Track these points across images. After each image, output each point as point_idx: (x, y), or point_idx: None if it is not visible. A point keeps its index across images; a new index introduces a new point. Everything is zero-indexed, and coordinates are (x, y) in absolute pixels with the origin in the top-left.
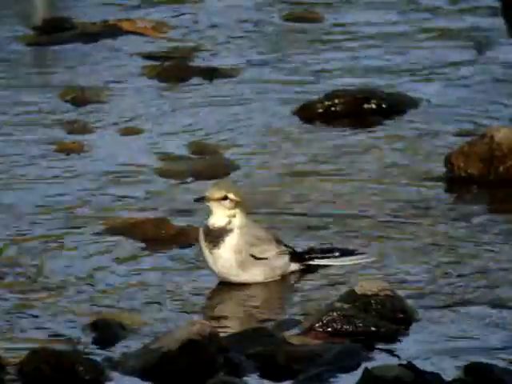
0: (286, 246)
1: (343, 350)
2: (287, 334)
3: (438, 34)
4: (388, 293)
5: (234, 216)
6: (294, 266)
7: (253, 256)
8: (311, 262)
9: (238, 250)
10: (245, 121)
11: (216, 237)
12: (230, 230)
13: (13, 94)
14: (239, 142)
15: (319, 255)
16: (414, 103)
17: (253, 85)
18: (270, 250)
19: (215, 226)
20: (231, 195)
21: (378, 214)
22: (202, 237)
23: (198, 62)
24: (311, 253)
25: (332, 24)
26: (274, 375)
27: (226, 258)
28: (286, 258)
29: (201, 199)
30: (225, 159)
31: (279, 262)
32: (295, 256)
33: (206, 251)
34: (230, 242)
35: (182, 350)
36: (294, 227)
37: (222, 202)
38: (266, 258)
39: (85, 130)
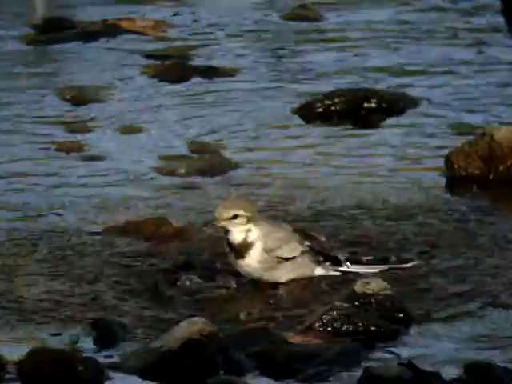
0: (317, 248)
1: (343, 350)
2: (287, 333)
3: (439, 33)
4: (388, 292)
5: (250, 230)
6: (322, 271)
7: (279, 257)
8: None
9: (262, 260)
10: (245, 120)
11: (239, 250)
12: (252, 243)
13: (12, 93)
14: (239, 141)
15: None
16: (414, 102)
17: (252, 84)
18: (296, 249)
19: (235, 242)
20: (241, 212)
21: (378, 213)
22: (227, 248)
23: (197, 61)
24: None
25: (332, 23)
26: (273, 374)
27: (252, 268)
28: (312, 258)
29: (209, 222)
30: (225, 158)
31: (305, 261)
32: (330, 260)
33: (232, 261)
34: (254, 255)
35: (183, 349)
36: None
37: (233, 221)
38: (294, 258)
39: (84, 129)
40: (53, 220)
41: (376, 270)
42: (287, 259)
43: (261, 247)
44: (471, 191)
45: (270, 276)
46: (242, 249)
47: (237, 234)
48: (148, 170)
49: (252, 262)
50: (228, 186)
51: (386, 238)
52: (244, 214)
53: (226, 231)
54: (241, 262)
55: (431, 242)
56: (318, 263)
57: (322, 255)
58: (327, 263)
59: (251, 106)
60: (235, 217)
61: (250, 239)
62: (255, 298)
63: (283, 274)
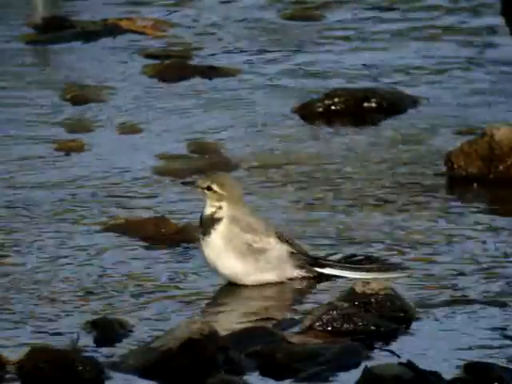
0: (298, 250)
1: (343, 349)
2: (287, 332)
3: (439, 33)
4: (388, 291)
5: (220, 208)
6: (301, 272)
7: (248, 244)
8: (329, 271)
9: (227, 237)
10: (244, 119)
11: (208, 225)
12: (220, 219)
13: (12, 93)
14: (239, 141)
15: (343, 264)
16: (414, 102)
17: (252, 84)
18: (268, 243)
19: (204, 214)
20: (214, 186)
21: (377, 212)
22: (198, 225)
23: (197, 60)
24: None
25: (332, 23)
26: (273, 374)
27: (214, 244)
28: (287, 258)
29: (188, 183)
30: (224, 158)
31: (276, 260)
32: (311, 261)
33: (200, 239)
34: (219, 229)
35: (182, 348)
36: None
37: (207, 191)
38: (263, 250)
39: (85, 128)
40: (52, 219)
41: (359, 276)
42: (258, 250)
43: (228, 223)
44: (471, 190)
45: (231, 263)
46: (209, 222)
47: (207, 208)
48: (148, 169)
49: (216, 238)
50: None
51: (385, 237)
52: (219, 190)
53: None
54: (207, 238)
55: (431, 241)
56: (297, 265)
57: (301, 255)
58: (306, 265)
59: (251, 106)
60: (209, 188)
61: (217, 215)
62: (255, 298)
63: (248, 269)
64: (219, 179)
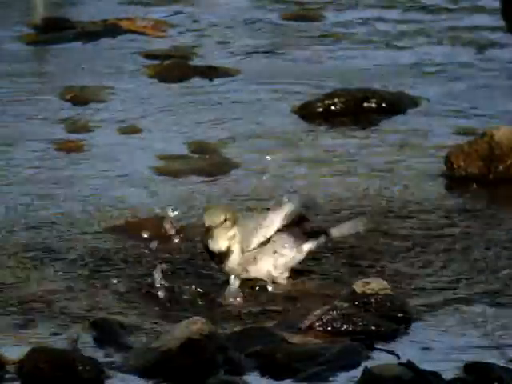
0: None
1: (343, 349)
2: (287, 333)
3: (439, 33)
4: (388, 292)
5: (234, 236)
6: (310, 245)
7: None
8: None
9: (242, 262)
10: (245, 120)
11: (220, 257)
12: (231, 251)
13: (12, 93)
14: (239, 141)
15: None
16: (414, 102)
17: (252, 84)
18: (271, 226)
19: (219, 250)
20: (229, 215)
21: (377, 213)
22: (206, 255)
23: (197, 61)
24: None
25: (332, 23)
26: (273, 374)
27: (234, 270)
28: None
29: (213, 256)
30: (224, 158)
31: (286, 240)
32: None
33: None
34: (234, 259)
35: (182, 348)
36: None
37: (224, 224)
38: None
39: (85, 128)
40: (52, 220)
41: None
42: (263, 243)
43: (239, 251)
44: (471, 190)
45: (253, 272)
46: (223, 255)
47: (221, 243)
48: (148, 169)
49: (232, 265)
50: (228, 186)
51: (384, 237)
52: (231, 216)
53: (208, 239)
54: (222, 265)
55: (430, 241)
56: (305, 237)
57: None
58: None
59: (251, 106)
60: (225, 220)
61: (232, 247)
62: (255, 298)
63: (265, 266)
64: (224, 207)
